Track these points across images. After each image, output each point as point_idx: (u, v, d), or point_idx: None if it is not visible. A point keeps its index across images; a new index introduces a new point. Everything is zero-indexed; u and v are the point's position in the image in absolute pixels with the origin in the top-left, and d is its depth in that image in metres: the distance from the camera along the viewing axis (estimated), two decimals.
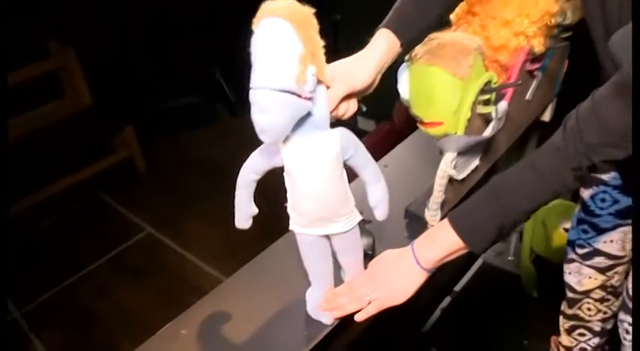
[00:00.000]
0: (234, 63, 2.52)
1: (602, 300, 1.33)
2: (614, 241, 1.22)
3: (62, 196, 2.63)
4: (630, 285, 1.06)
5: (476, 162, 1.04)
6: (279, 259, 0.96)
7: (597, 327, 1.38)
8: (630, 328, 1.09)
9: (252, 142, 0.67)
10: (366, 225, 0.91)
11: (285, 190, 0.72)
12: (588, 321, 1.38)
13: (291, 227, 0.76)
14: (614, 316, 1.34)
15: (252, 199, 0.76)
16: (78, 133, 2.76)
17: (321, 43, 0.62)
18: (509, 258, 1.97)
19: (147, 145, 2.97)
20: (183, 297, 2.06)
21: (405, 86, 0.87)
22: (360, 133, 0.83)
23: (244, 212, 0.76)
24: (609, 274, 1.28)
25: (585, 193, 1.22)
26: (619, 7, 0.75)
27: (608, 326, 1.39)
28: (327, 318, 0.81)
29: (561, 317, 1.44)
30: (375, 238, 0.92)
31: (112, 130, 2.84)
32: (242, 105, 3.11)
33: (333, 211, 0.72)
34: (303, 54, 0.59)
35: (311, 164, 0.67)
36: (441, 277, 1.82)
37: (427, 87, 0.83)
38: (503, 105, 1.01)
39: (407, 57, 0.87)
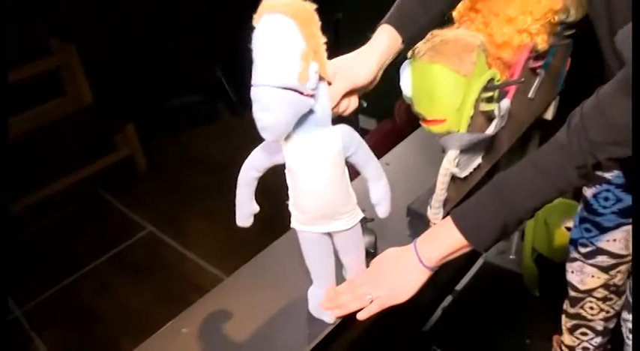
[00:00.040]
0: (235, 61, 2.51)
1: (604, 299, 1.33)
2: (617, 240, 1.22)
3: (63, 195, 2.63)
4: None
5: (478, 160, 1.04)
6: (280, 258, 0.96)
7: (600, 326, 1.38)
8: None
9: (253, 140, 0.67)
10: (368, 223, 0.91)
11: (286, 188, 0.72)
12: (591, 320, 1.37)
13: (292, 225, 0.75)
14: (617, 315, 1.33)
15: (254, 197, 0.75)
16: (79, 131, 2.76)
17: (323, 39, 0.61)
18: (511, 257, 1.97)
19: (148, 144, 2.96)
20: (184, 295, 2.06)
21: (407, 83, 0.87)
22: (361, 132, 0.83)
23: (245, 210, 0.76)
24: (612, 273, 1.27)
25: (588, 192, 1.21)
26: (625, 4, 0.74)
27: (611, 325, 1.38)
28: (329, 316, 0.81)
29: (563, 316, 1.44)
30: (377, 236, 0.91)
31: (113, 129, 2.84)
32: (243, 103, 3.10)
33: (335, 209, 0.71)
34: (305, 51, 0.58)
35: (313, 161, 0.67)
36: (443, 276, 1.82)
37: (430, 84, 0.83)
38: (505, 103, 1.00)
39: (409, 54, 0.86)
